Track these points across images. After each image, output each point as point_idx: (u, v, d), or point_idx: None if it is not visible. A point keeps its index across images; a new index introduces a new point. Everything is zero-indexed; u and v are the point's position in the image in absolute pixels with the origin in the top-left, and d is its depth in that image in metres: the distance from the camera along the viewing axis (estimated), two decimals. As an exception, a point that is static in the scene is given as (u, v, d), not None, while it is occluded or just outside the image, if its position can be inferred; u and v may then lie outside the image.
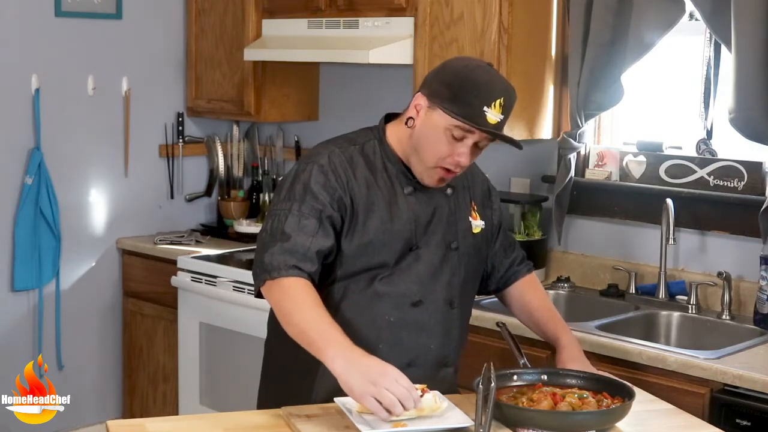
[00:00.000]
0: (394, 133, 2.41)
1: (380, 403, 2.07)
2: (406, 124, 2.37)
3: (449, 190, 2.46)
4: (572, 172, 3.68)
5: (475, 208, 2.52)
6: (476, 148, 2.32)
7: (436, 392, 2.20)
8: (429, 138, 2.31)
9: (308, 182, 2.33)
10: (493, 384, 2.06)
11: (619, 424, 2.22)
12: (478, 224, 2.51)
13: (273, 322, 2.52)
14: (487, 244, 2.57)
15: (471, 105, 2.25)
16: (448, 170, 2.33)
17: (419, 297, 2.39)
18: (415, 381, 2.28)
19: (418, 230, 2.39)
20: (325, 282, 2.39)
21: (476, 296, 2.63)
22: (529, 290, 2.66)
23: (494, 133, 2.27)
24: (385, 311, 2.37)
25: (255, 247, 2.40)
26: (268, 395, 2.53)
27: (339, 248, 2.35)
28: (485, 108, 2.25)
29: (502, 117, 2.28)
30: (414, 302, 2.39)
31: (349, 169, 2.36)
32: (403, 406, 2.08)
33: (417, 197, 2.41)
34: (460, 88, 2.27)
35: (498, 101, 2.27)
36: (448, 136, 2.28)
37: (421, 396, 2.14)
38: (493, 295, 2.75)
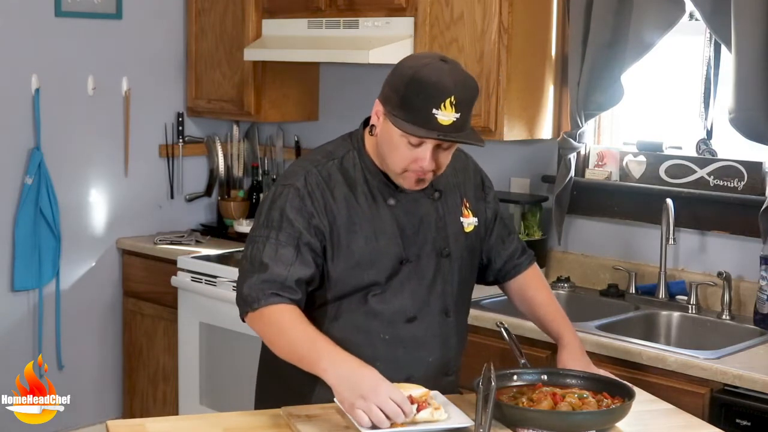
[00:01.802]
0: (370, 141, 2.34)
1: (369, 416, 2.07)
2: (371, 132, 2.31)
3: (436, 194, 2.40)
4: (572, 172, 3.68)
5: (468, 205, 2.46)
6: (441, 149, 2.23)
7: (434, 406, 2.16)
8: (389, 146, 2.24)
9: (284, 208, 2.29)
10: (493, 384, 2.05)
11: (619, 424, 2.22)
12: (470, 222, 2.45)
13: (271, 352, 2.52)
14: (481, 239, 2.52)
15: (418, 110, 2.15)
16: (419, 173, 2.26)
17: (413, 312, 2.35)
18: None
19: (406, 242, 2.34)
20: (316, 304, 2.36)
21: (476, 294, 2.60)
22: (532, 285, 2.61)
23: (444, 138, 2.17)
24: (380, 329, 2.34)
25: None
26: (267, 395, 2.51)
27: (327, 272, 2.32)
28: (434, 110, 2.14)
29: (456, 116, 2.15)
30: (408, 318, 2.35)
31: (327, 190, 2.30)
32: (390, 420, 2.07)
33: (402, 208, 2.34)
34: (407, 92, 2.17)
35: (448, 100, 2.14)
36: (405, 143, 2.20)
37: (419, 409, 2.12)
38: (494, 285, 2.68)
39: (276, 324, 2.25)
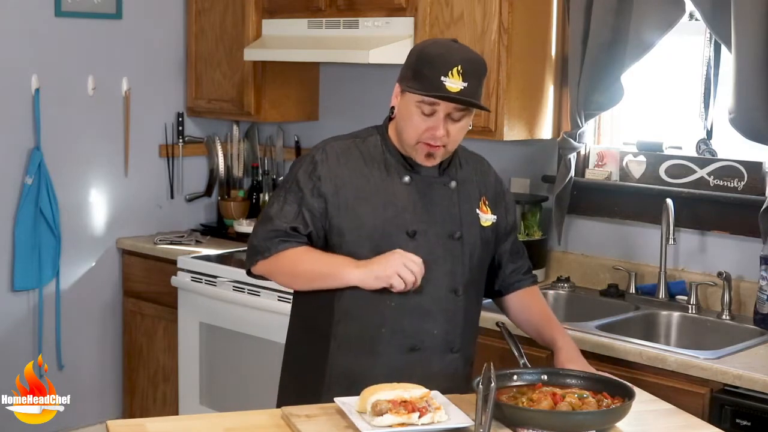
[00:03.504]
0: (392, 127, 2.51)
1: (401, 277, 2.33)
2: (391, 114, 2.49)
3: (453, 183, 2.50)
4: (572, 172, 3.68)
5: (487, 202, 2.56)
6: (452, 120, 2.38)
7: (435, 406, 2.17)
8: (405, 119, 2.41)
9: (298, 173, 2.49)
10: (493, 384, 2.06)
11: (619, 424, 2.22)
12: (488, 218, 2.55)
13: (293, 324, 2.60)
14: (497, 239, 2.60)
15: (428, 78, 2.34)
16: (431, 145, 2.40)
17: (420, 283, 2.43)
18: (420, 366, 2.41)
19: (414, 218, 2.44)
20: None
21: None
22: (529, 297, 2.69)
23: (453, 98, 2.33)
24: (387, 297, 2.42)
25: None
26: (287, 398, 2.54)
27: (330, 226, 2.44)
28: (442, 78, 2.33)
29: (464, 84, 2.34)
30: (415, 288, 2.43)
31: (342, 159, 2.47)
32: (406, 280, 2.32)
33: (416, 187, 2.47)
34: (417, 65, 2.39)
35: (455, 69, 2.33)
36: (419, 113, 2.38)
37: (420, 416, 2.13)
38: (492, 300, 2.75)
39: (291, 259, 2.44)
